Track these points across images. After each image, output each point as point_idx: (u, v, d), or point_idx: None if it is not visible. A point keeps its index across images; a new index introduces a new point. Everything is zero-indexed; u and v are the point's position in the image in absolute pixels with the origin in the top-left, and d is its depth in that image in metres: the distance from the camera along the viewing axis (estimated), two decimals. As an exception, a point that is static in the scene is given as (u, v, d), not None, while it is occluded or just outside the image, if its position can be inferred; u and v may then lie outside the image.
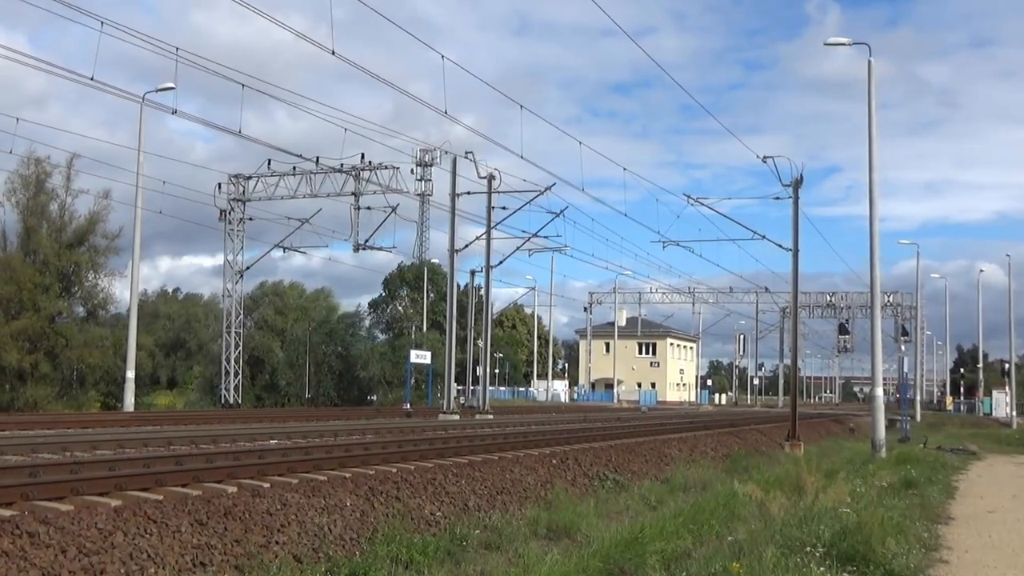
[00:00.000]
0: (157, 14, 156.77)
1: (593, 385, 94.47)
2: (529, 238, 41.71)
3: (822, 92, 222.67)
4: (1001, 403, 65.32)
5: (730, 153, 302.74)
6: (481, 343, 43.48)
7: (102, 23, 20.43)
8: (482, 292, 43.58)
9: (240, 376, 47.80)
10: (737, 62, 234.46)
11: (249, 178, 45.44)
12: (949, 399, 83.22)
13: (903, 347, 64.90)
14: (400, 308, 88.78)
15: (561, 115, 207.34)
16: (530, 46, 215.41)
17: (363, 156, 41.40)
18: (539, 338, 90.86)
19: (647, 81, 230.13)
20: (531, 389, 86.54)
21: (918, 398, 65.88)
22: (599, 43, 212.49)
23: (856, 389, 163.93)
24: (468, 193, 39.51)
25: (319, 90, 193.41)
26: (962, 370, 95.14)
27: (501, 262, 42.88)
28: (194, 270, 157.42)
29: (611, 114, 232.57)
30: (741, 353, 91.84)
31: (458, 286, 43.63)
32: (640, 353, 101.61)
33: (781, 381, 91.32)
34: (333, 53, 20.05)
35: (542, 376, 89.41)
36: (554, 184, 39.52)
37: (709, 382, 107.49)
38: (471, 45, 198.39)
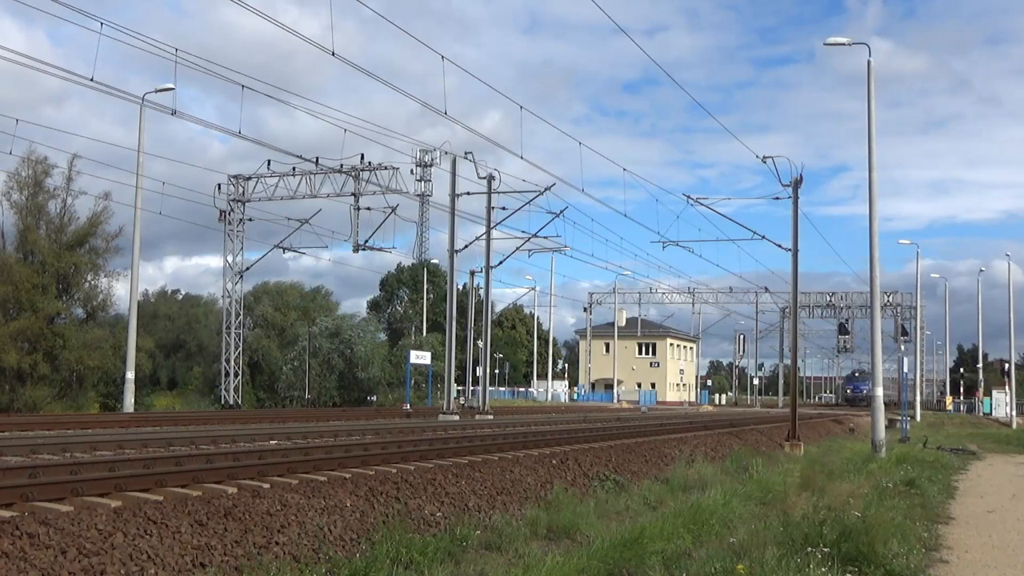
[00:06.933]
0: (182, 9, 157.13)
1: (593, 385, 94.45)
2: (529, 238, 41.76)
3: (833, 90, 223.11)
4: (1001, 403, 65.30)
5: (737, 151, 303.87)
6: (481, 343, 43.48)
7: (101, 24, 20.45)
8: (482, 292, 43.61)
9: (240, 377, 47.80)
10: (749, 60, 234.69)
11: (249, 179, 45.49)
12: (949, 399, 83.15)
13: (903, 347, 64.94)
14: (400, 309, 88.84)
15: (570, 114, 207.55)
16: (541, 44, 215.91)
17: (363, 156, 41.53)
18: (539, 338, 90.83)
19: (657, 79, 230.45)
20: (531, 389, 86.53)
21: (918, 398, 65.85)
22: (610, 41, 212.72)
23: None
24: (468, 193, 39.55)
25: (343, 85, 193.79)
26: (962, 370, 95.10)
27: (501, 262, 42.94)
28: (201, 270, 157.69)
29: (620, 113, 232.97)
30: (741, 353, 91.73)
31: (458, 287, 43.64)
32: (640, 353, 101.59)
33: (781, 381, 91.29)
34: (333, 54, 20.06)
35: (542, 376, 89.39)
36: (553, 184, 39.62)
37: (709, 382, 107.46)
38: (481, 44, 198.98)
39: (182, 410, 47.80)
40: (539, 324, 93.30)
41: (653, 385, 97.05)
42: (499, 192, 39.29)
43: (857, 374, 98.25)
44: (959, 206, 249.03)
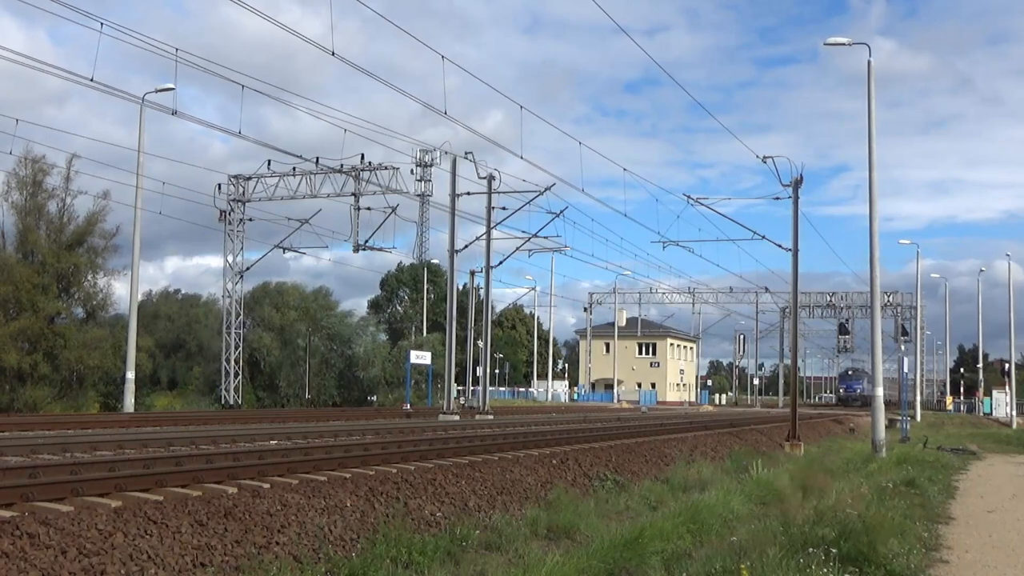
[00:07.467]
0: (183, 9, 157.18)
1: (593, 385, 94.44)
2: (529, 238, 41.77)
3: (833, 90, 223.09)
4: (1001, 403, 65.32)
5: (738, 151, 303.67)
6: (481, 343, 43.50)
7: (101, 24, 20.45)
8: (482, 292, 43.62)
9: (240, 376, 47.80)
10: (749, 60, 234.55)
11: (249, 179, 45.49)
12: (949, 399, 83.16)
13: (903, 347, 64.92)
14: (400, 309, 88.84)
15: (571, 114, 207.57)
16: (541, 44, 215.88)
17: (363, 156, 41.53)
18: (539, 338, 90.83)
19: (657, 79, 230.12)
20: (531, 389, 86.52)
21: (918, 398, 65.85)
22: (610, 41, 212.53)
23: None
24: (468, 193, 39.55)
25: (344, 85, 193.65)
26: (962, 370, 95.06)
27: (501, 262, 42.95)
28: (202, 270, 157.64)
29: (620, 113, 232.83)
30: (741, 353, 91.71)
31: (458, 287, 43.65)
32: (640, 353, 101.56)
33: (781, 381, 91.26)
34: (333, 54, 20.05)
35: (542, 376, 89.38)
36: (553, 184, 39.61)
37: (709, 382, 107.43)
38: (481, 44, 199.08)
39: (182, 410, 47.75)
40: (539, 324, 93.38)
41: (653, 385, 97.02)
42: (499, 192, 39.32)
43: (850, 372, 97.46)
44: (959, 206, 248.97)
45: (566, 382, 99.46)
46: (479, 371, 43.58)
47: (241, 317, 47.93)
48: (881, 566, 9.13)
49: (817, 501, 13.19)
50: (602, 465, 16.36)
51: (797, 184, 28.87)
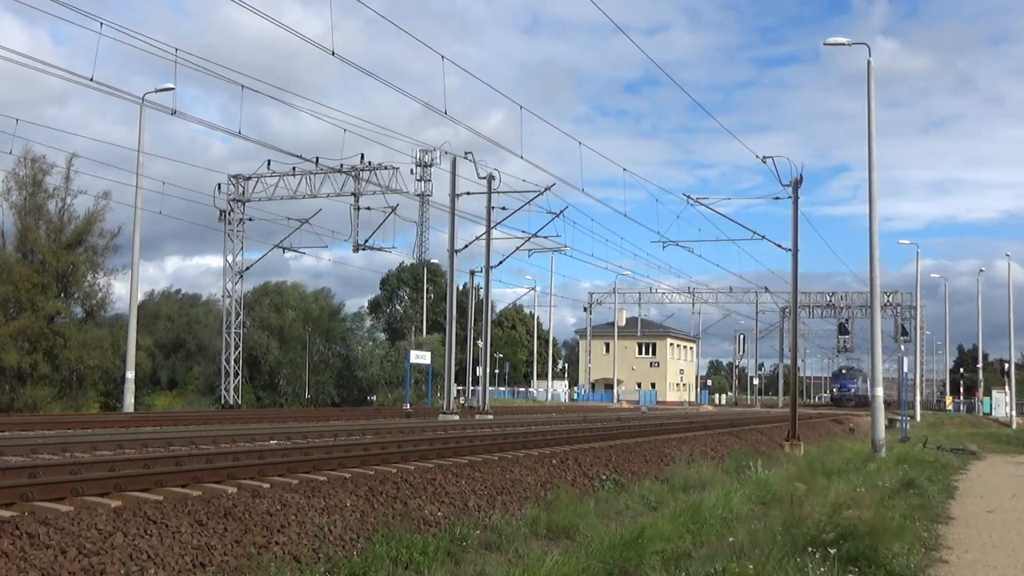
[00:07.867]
0: (184, 9, 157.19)
1: (593, 385, 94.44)
2: (529, 238, 41.77)
3: (833, 90, 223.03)
4: (1001, 403, 65.32)
5: (738, 151, 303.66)
6: (481, 343, 43.51)
7: (101, 24, 20.46)
8: (482, 292, 43.63)
9: (240, 377, 47.79)
10: (750, 60, 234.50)
11: (249, 178, 45.49)
12: (949, 399, 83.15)
13: (903, 347, 64.93)
14: (400, 308, 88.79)
15: (571, 114, 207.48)
16: (541, 44, 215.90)
17: (363, 156, 41.54)
18: (539, 338, 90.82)
19: (657, 79, 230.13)
20: (531, 389, 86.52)
21: (918, 398, 65.86)
22: (610, 41, 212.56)
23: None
24: (468, 193, 39.56)
25: (345, 86, 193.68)
26: (962, 370, 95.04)
27: (501, 262, 42.96)
28: (202, 270, 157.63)
29: (620, 113, 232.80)
30: (741, 353, 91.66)
31: (458, 287, 43.67)
32: (640, 353, 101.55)
33: (781, 381, 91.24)
34: (333, 54, 20.06)
35: (542, 376, 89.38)
36: (553, 184, 39.59)
37: (709, 382, 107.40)
38: (482, 44, 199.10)
39: (182, 410, 47.75)
40: (539, 324, 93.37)
41: (653, 385, 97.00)
42: (499, 192, 39.32)
43: (844, 371, 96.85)
44: (959, 206, 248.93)
45: (566, 382, 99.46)
46: (479, 371, 43.59)
47: (241, 317, 47.93)
48: (881, 566, 9.13)
49: (816, 501, 13.19)
50: (602, 465, 16.36)
51: (797, 184, 28.88)
